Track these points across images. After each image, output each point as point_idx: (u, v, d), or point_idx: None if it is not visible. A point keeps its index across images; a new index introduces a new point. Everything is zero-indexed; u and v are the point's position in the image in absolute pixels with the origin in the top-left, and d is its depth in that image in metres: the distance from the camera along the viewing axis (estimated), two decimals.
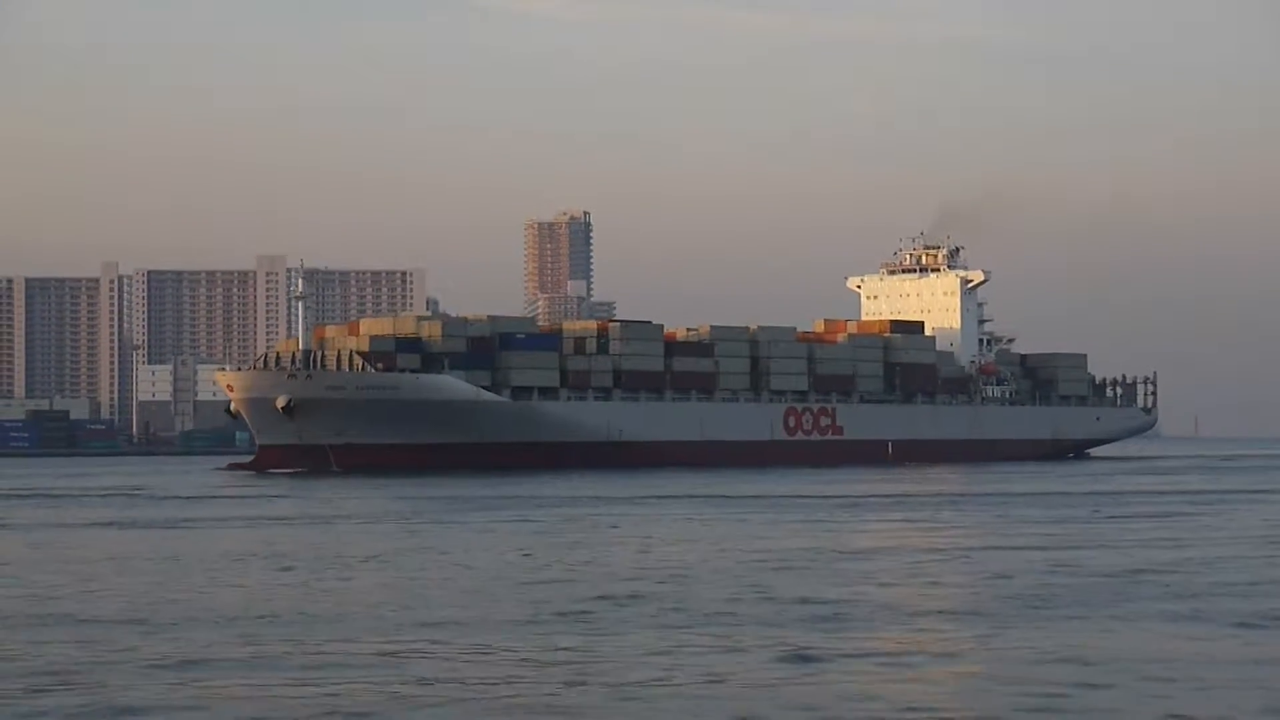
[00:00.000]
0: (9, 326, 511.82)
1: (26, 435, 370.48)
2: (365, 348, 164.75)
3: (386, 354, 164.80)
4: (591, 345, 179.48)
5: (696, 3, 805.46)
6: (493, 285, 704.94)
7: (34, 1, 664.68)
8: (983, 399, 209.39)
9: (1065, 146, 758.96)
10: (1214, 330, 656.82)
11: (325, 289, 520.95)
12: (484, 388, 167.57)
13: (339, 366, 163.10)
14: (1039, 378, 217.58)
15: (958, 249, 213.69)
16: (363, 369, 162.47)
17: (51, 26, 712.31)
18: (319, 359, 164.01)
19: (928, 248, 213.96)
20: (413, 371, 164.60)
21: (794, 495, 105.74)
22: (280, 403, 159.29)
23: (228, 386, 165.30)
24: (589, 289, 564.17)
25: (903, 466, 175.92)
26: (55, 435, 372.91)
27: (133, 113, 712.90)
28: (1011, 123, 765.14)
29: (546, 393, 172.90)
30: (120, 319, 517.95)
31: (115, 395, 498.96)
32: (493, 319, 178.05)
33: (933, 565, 53.39)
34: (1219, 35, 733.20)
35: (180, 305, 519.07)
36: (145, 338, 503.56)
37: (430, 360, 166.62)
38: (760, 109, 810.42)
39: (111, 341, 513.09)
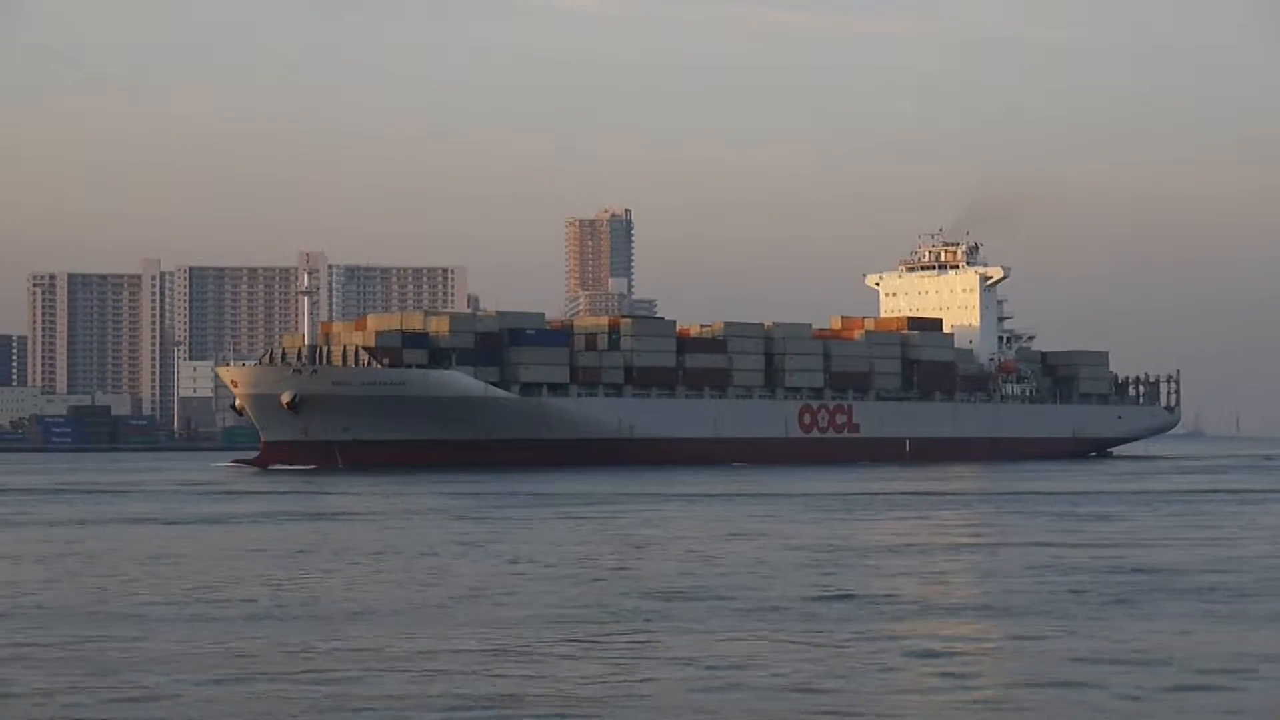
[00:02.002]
0: (51, 322, 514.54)
1: (69, 431, 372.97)
2: (371, 343, 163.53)
3: (393, 349, 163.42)
4: (603, 341, 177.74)
5: (737, 1, 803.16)
6: (534, 283, 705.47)
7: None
8: (1002, 397, 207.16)
9: (1095, 146, 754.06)
10: (1254, 329, 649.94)
11: (367, 285, 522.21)
12: (492, 384, 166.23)
13: (345, 362, 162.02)
14: (1059, 376, 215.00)
15: (977, 246, 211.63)
16: (369, 364, 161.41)
17: (91, 24, 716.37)
18: (325, 354, 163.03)
19: (946, 244, 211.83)
20: (420, 367, 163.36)
21: (894, 492, 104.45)
22: (285, 398, 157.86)
23: (232, 382, 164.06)
24: (630, 286, 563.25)
25: (923, 465, 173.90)
26: (97, 431, 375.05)
27: (175, 110, 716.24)
28: (1043, 122, 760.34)
29: (556, 389, 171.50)
30: (162, 315, 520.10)
31: (157, 391, 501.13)
32: (501, 314, 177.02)
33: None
34: (1253, 37, 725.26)
35: (222, 301, 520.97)
36: (187, 334, 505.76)
37: (438, 356, 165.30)
38: (800, 107, 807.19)
39: (153, 337, 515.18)
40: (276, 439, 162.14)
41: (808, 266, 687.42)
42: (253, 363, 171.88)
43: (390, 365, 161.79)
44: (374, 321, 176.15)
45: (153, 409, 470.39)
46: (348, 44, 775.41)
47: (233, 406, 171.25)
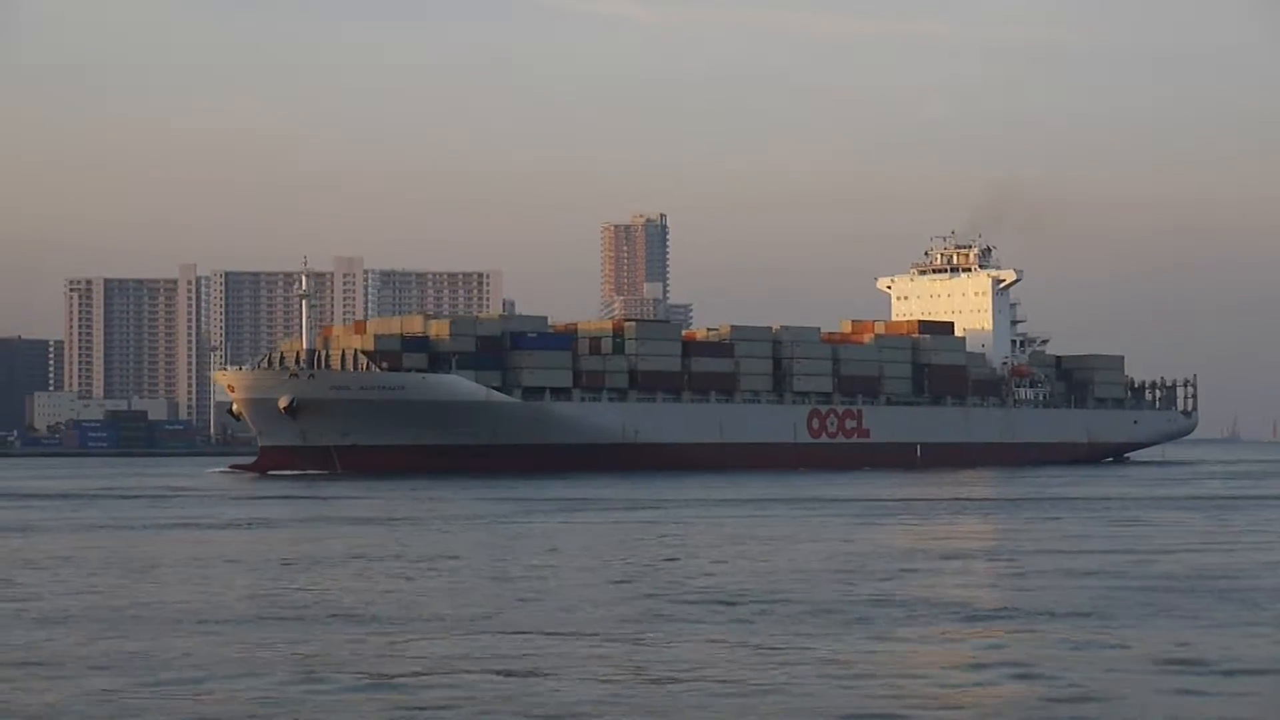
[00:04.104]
0: (88, 327, 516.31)
1: (105, 435, 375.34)
2: (370, 347, 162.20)
3: (392, 353, 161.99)
4: (607, 345, 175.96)
5: (772, 5, 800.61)
6: (570, 288, 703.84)
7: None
8: (1015, 401, 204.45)
9: (1110, 148, 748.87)
10: None
11: (402, 290, 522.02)
12: (494, 388, 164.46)
13: (343, 366, 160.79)
14: (1074, 380, 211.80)
15: (989, 248, 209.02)
16: (367, 368, 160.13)
17: (145, 26, 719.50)
18: (323, 358, 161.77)
19: (959, 247, 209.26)
20: (419, 371, 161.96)
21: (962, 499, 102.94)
22: (283, 403, 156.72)
23: (229, 386, 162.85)
24: (665, 291, 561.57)
25: (936, 470, 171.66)
26: (134, 435, 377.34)
27: (211, 114, 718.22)
28: (1058, 124, 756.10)
29: (559, 393, 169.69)
30: (198, 320, 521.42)
31: (193, 396, 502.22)
32: (504, 318, 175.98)
33: None
34: (1276, 39, 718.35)
35: (258, 306, 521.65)
36: (223, 338, 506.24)
37: (438, 360, 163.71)
38: (834, 111, 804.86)
39: (189, 342, 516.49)
40: (274, 444, 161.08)
41: (824, 269, 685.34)
42: (250, 367, 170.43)
43: (390, 369, 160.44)
44: (373, 325, 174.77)
45: (189, 414, 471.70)
46: (386, 48, 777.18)
47: (230, 411, 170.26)
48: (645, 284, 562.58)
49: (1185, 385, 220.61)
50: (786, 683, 28.70)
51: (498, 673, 29.71)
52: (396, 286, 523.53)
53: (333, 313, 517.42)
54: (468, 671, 29.95)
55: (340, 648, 33.09)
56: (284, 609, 40.16)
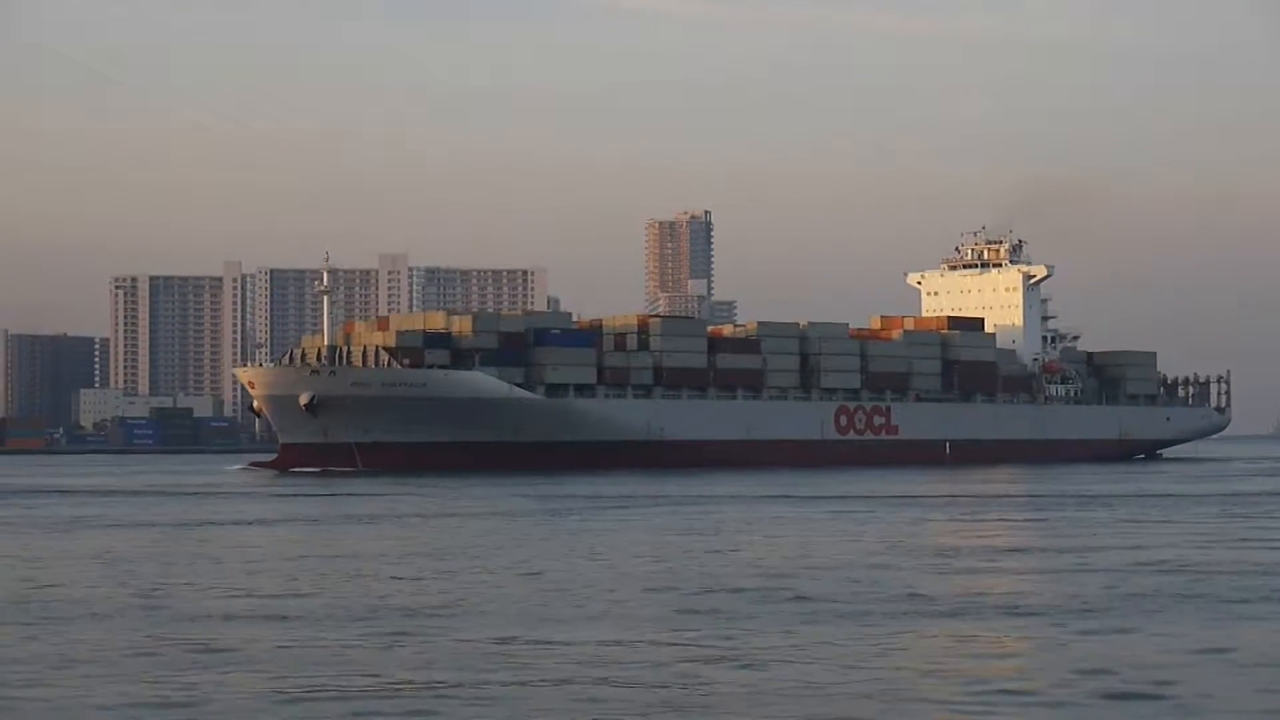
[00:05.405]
0: (134, 325, 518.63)
1: (151, 432, 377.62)
2: (392, 343, 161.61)
3: (414, 350, 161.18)
4: (631, 341, 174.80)
5: (815, 4, 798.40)
6: (615, 285, 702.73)
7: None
8: (1045, 398, 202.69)
9: (1144, 143, 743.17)
10: None
11: (447, 287, 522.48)
12: (517, 385, 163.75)
13: (365, 362, 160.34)
14: (1106, 376, 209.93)
15: (1020, 243, 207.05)
16: (389, 365, 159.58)
17: (193, 27, 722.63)
18: (345, 355, 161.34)
19: (989, 242, 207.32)
20: (441, 368, 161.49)
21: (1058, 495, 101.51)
22: (303, 400, 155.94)
23: (249, 383, 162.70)
24: (709, 288, 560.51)
25: (967, 467, 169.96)
26: (179, 433, 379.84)
27: (256, 114, 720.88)
28: (1092, 120, 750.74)
29: (583, 390, 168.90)
30: (243, 317, 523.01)
31: (238, 393, 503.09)
32: (528, 314, 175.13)
33: None
34: None
35: (303, 303, 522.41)
36: (268, 336, 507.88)
37: (460, 356, 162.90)
38: (871, 107, 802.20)
39: (234, 339, 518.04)
40: (295, 441, 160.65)
41: (866, 266, 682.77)
42: (271, 364, 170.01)
43: (412, 366, 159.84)
44: (396, 321, 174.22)
45: (234, 411, 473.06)
46: (428, 45, 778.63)
47: (251, 408, 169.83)
48: (690, 281, 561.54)
49: (1219, 382, 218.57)
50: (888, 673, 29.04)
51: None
52: (441, 284, 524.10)
53: (376, 310, 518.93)
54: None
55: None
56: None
